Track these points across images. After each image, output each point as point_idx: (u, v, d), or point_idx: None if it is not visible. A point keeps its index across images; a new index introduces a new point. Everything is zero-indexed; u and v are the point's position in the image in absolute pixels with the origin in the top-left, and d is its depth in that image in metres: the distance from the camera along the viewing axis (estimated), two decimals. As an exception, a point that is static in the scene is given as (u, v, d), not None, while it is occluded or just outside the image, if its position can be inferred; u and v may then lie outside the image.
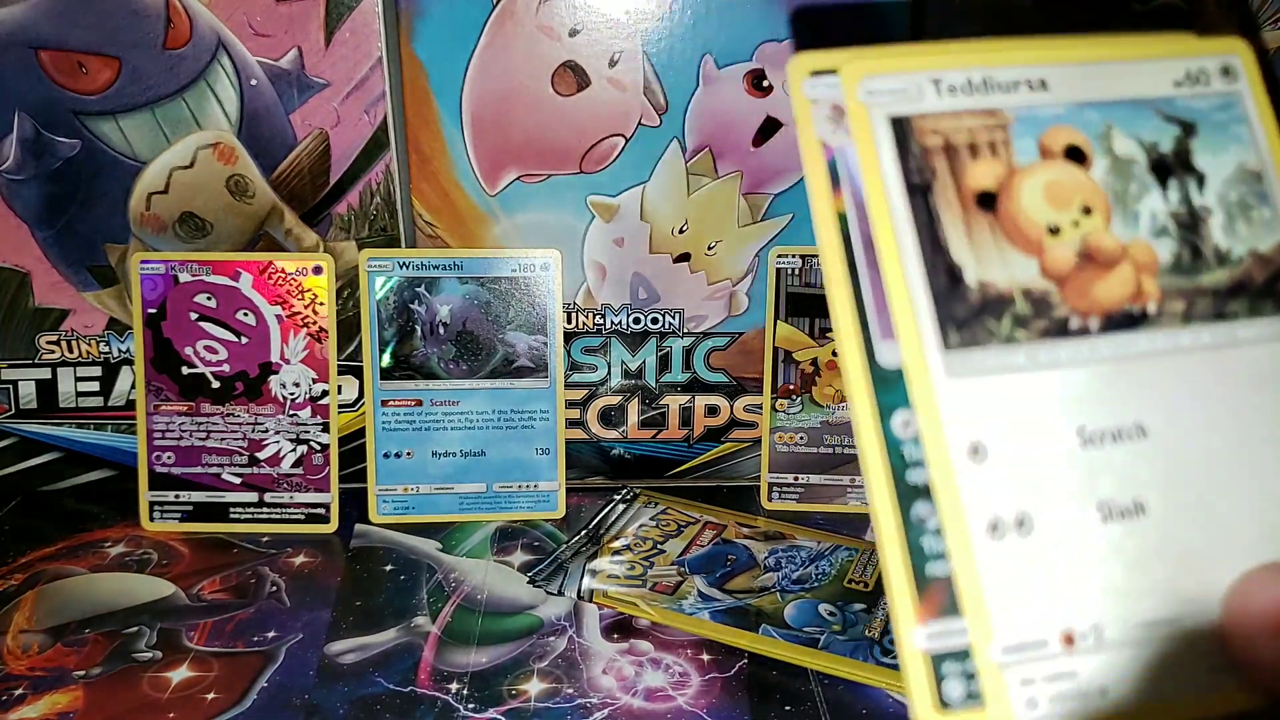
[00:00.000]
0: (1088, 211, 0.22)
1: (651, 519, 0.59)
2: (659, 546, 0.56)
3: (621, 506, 0.60)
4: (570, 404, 0.62)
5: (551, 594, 0.52)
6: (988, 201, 0.21)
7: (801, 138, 0.21)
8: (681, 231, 0.59)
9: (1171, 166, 0.22)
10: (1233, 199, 0.22)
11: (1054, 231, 0.21)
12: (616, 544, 0.56)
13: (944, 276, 0.21)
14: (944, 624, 0.19)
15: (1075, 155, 0.22)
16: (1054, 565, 0.20)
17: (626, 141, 0.57)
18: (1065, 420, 0.20)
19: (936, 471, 0.20)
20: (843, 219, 0.21)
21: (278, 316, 0.57)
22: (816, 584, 0.52)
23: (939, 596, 0.19)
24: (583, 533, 0.57)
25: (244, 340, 0.57)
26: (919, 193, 0.21)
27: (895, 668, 0.45)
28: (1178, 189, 0.22)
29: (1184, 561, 0.20)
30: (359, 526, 0.59)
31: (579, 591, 0.52)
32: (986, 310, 0.21)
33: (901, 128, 0.21)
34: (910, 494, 0.20)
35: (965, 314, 0.21)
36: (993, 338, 0.21)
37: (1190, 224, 0.22)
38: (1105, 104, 0.22)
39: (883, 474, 0.20)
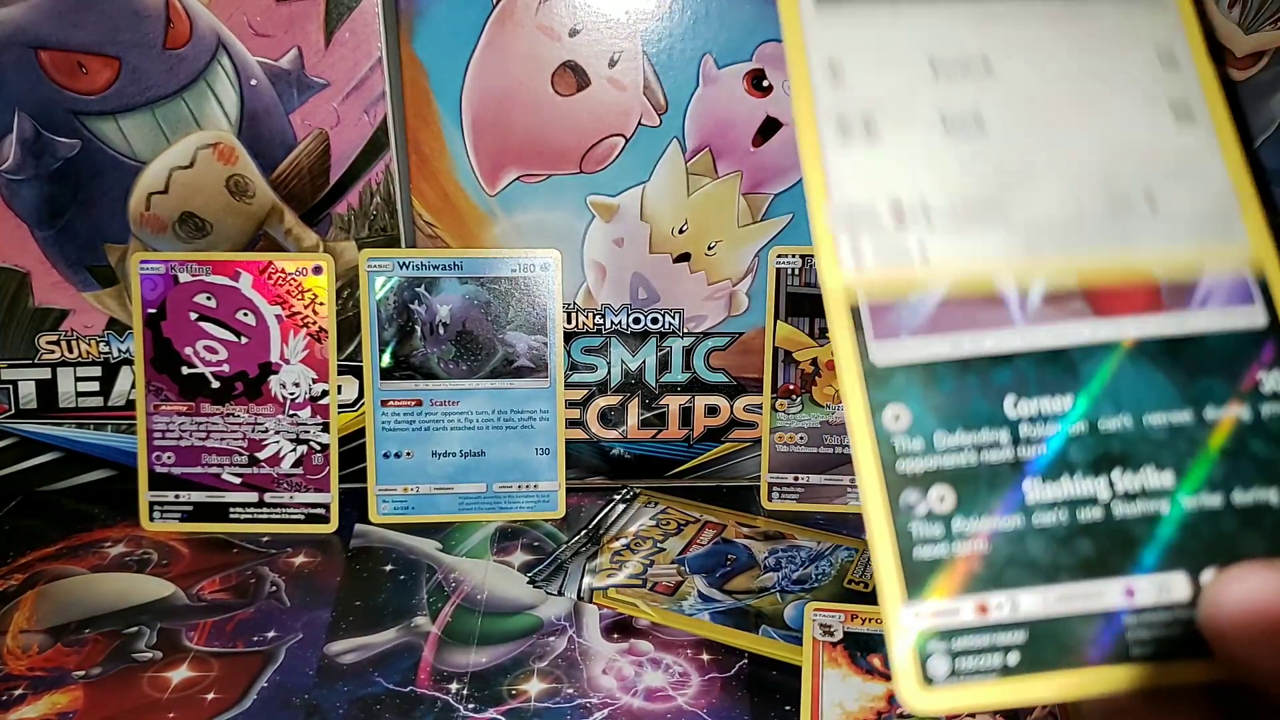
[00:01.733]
0: None
1: (651, 519, 0.59)
2: (659, 546, 0.56)
3: (621, 506, 0.60)
4: (570, 404, 0.62)
5: (551, 594, 0.52)
6: None
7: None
8: (681, 231, 0.59)
9: None
10: None
11: None
12: (616, 544, 0.56)
13: None
14: (930, 605, 0.20)
15: None
16: (894, 159, 0.22)
17: (626, 141, 0.57)
18: (919, 49, 0.23)
19: (796, 85, 0.22)
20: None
21: (278, 316, 0.57)
22: (816, 584, 0.52)
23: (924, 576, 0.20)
24: (583, 533, 0.57)
25: (244, 340, 0.57)
26: None
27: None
28: None
29: (1019, 178, 0.22)
30: (359, 526, 0.59)
31: (579, 591, 0.52)
32: None
33: None
34: (900, 482, 0.20)
35: None
36: None
37: None
38: None
39: (875, 470, 0.20)
